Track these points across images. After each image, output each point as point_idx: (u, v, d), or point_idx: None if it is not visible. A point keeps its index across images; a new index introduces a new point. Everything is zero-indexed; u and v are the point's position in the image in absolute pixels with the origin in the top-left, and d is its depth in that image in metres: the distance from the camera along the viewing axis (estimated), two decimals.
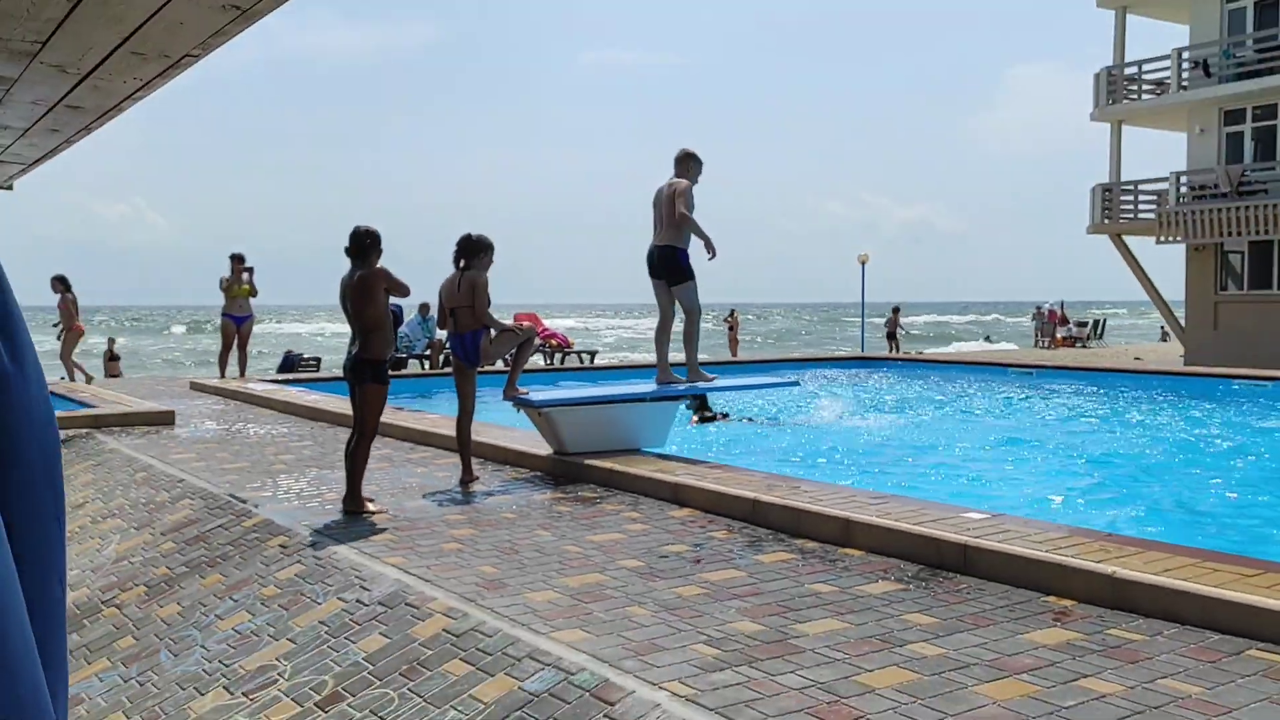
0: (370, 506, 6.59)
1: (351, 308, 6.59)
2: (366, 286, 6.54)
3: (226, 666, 4.67)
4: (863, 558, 5.29)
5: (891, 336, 28.51)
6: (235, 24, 3.78)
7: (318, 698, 4.11)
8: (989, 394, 16.33)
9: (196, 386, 15.87)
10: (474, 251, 7.63)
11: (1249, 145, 21.40)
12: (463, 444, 7.72)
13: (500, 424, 9.77)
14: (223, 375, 16.28)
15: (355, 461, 6.60)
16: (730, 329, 29.89)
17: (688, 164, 8.47)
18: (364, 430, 6.66)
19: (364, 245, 6.64)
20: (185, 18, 3.75)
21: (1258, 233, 20.20)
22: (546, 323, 24.28)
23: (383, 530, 6.09)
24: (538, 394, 8.36)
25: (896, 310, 28.95)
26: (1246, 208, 20.23)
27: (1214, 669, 3.66)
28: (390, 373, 6.84)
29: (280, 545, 5.93)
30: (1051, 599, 4.52)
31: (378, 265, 6.63)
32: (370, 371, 6.60)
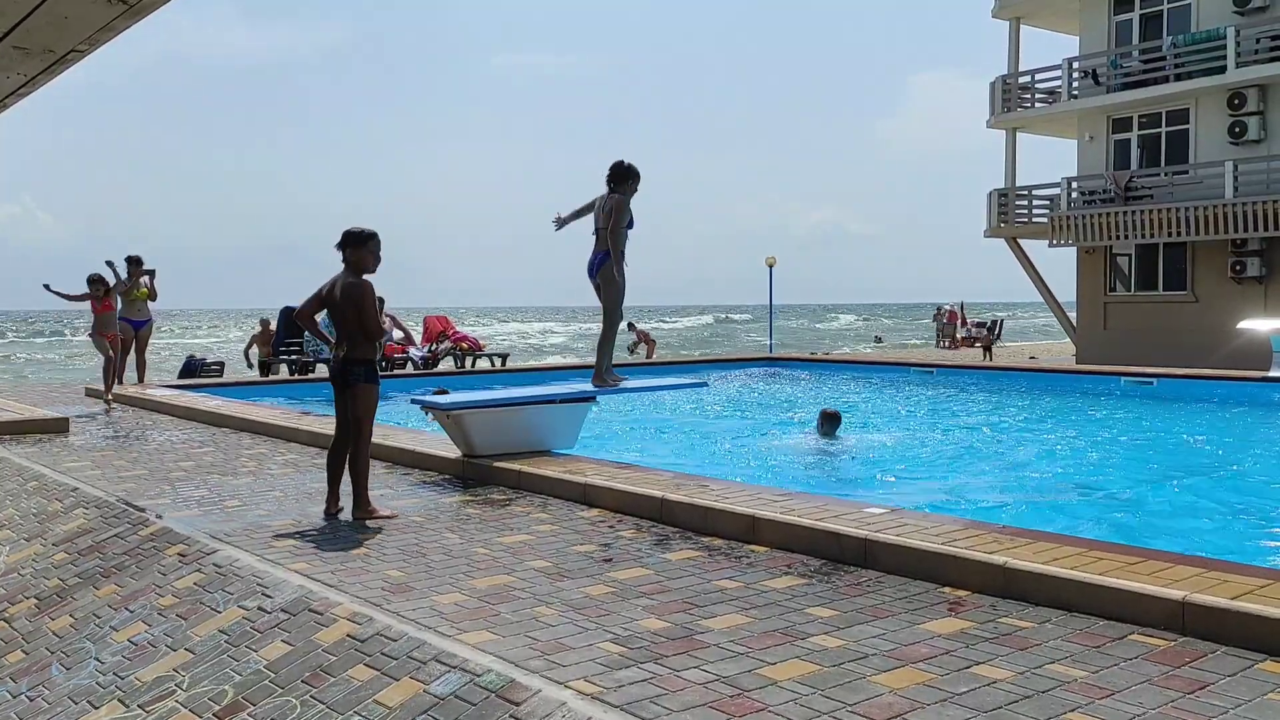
0: (381, 511, 6.51)
1: (343, 312, 6.50)
2: (361, 297, 6.46)
3: (121, 679, 4.54)
4: (768, 553, 5.39)
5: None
6: (123, 19, 3.67)
7: (217, 708, 4.03)
8: (891, 392, 16.71)
9: (92, 393, 15.35)
10: (621, 178, 8.29)
11: (1135, 152, 22.27)
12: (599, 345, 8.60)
13: (407, 427, 9.67)
14: (120, 381, 15.77)
15: (358, 465, 6.55)
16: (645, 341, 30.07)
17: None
18: (361, 431, 6.59)
19: (349, 245, 6.54)
20: (70, 12, 3.64)
21: (1144, 236, 21.04)
22: (457, 326, 24.09)
23: (287, 537, 5.98)
24: (445, 396, 8.29)
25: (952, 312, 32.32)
26: (1133, 212, 21.06)
27: (1098, 653, 3.83)
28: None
29: (179, 554, 5.78)
30: (947, 589, 4.66)
31: (366, 279, 6.54)
32: (364, 371, 6.57)
